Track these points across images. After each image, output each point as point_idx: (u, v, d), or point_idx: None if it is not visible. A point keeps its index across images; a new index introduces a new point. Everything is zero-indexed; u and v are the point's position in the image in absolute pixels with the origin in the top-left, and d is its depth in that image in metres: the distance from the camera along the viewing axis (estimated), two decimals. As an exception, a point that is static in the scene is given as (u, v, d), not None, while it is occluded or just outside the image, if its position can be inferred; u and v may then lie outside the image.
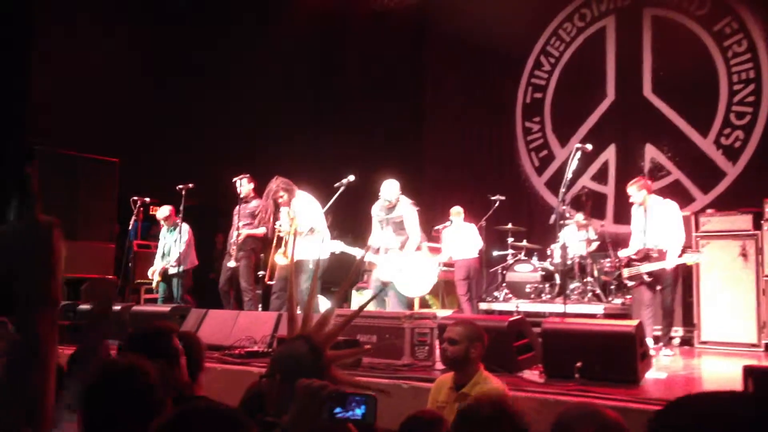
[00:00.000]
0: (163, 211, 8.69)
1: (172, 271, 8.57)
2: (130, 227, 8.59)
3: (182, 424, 1.47)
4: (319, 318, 2.21)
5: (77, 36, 10.08)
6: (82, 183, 9.88)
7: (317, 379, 1.84)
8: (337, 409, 1.73)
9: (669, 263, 6.58)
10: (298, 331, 2.16)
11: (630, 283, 7.09)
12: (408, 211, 7.08)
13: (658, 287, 6.70)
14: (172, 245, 8.64)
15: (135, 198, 8.58)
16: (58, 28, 10.17)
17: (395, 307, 6.92)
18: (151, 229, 10.06)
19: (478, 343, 3.61)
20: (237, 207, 7.93)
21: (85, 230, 9.68)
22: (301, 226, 7.16)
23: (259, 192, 7.97)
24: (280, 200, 7.23)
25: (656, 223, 6.82)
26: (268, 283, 7.55)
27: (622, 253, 7.16)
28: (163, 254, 8.70)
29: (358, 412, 1.73)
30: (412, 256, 7.01)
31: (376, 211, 7.22)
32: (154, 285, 8.75)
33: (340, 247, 7.13)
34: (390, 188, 7.10)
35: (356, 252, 7.11)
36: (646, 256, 6.79)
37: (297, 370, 1.95)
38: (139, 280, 8.81)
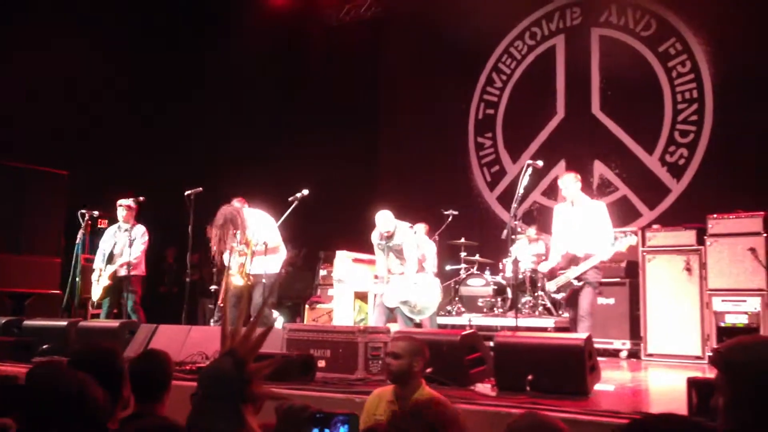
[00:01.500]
0: (127, 201, 8.16)
1: (123, 272, 8.02)
2: (77, 241, 8.35)
3: None
4: (243, 332, 2.18)
5: (26, 46, 9.88)
6: (28, 196, 9.65)
7: (243, 393, 1.81)
8: (320, 430, 1.72)
9: (604, 255, 6.26)
10: (226, 348, 2.13)
11: (559, 296, 6.65)
12: (406, 237, 7.19)
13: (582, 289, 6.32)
14: (126, 245, 8.09)
15: (83, 211, 8.37)
16: (5, 38, 9.95)
17: (402, 326, 7.01)
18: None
19: (419, 357, 3.66)
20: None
21: (31, 244, 9.45)
22: (255, 243, 7.09)
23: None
24: (232, 230, 7.15)
25: (585, 225, 6.40)
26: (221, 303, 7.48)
27: (543, 267, 6.76)
28: (111, 255, 8.11)
29: (342, 431, 1.72)
30: (413, 281, 7.09)
31: (376, 239, 7.31)
32: (97, 297, 8.11)
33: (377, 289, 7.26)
34: (385, 220, 7.18)
35: (381, 289, 7.20)
36: (572, 261, 6.37)
37: (221, 385, 1.91)
38: (86, 296, 8.59)
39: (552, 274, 6.57)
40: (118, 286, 8.08)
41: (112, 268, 8.08)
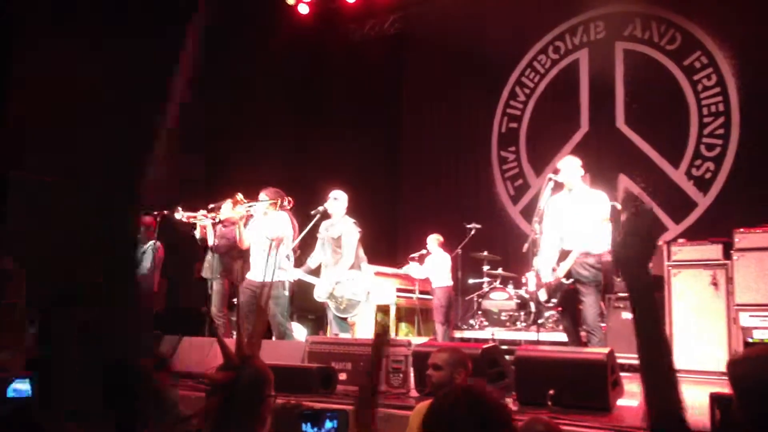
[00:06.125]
0: (144, 217, 8.27)
1: None
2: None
3: None
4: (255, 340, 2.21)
5: (56, 59, 10.06)
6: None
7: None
8: (309, 426, 1.76)
9: (590, 246, 5.54)
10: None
11: (551, 303, 5.93)
12: (348, 230, 6.93)
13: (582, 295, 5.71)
14: (144, 261, 8.19)
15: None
16: (37, 52, 10.15)
17: (336, 329, 6.82)
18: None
19: (461, 369, 3.60)
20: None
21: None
22: (269, 233, 6.93)
23: None
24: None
25: (581, 216, 5.71)
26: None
27: (537, 262, 5.87)
28: None
29: (329, 426, 1.76)
30: (345, 275, 6.86)
31: (322, 230, 7.10)
32: None
33: (298, 275, 7.00)
34: (338, 202, 6.98)
35: (315, 281, 6.97)
36: (562, 257, 5.74)
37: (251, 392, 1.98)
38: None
39: (540, 282, 5.93)
40: None
41: None
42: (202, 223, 7.72)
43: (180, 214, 7.84)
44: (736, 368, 1.72)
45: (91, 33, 10.36)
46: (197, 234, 7.91)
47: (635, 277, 1.64)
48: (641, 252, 1.62)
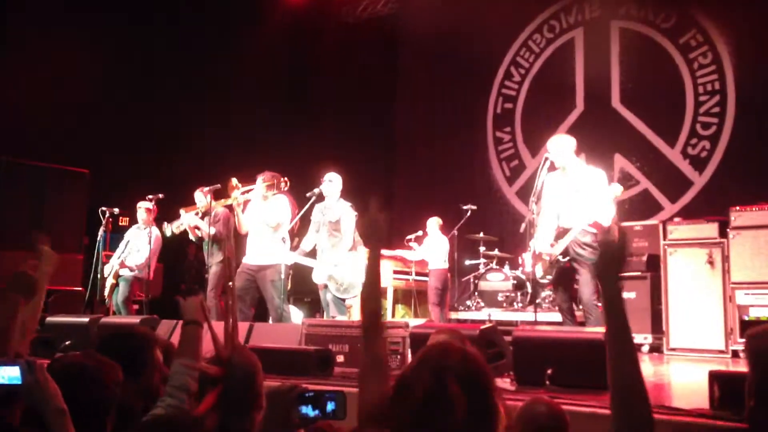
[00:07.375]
0: (146, 203, 8.24)
1: (124, 272, 8.20)
2: (98, 238, 8.43)
3: None
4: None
5: (46, 44, 9.96)
6: (50, 194, 9.77)
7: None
8: (308, 409, 1.74)
9: (584, 223, 5.51)
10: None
11: (546, 279, 5.92)
12: (346, 213, 6.93)
13: (578, 273, 5.69)
14: (142, 246, 8.24)
15: (104, 209, 8.45)
16: (28, 37, 10.04)
17: (334, 311, 6.82)
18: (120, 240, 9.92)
19: None
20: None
21: (53, 242, 9.51)
22: (269, 220, 7.00)
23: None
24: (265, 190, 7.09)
25: (578, 194, 5.67)
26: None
27: (535, 243, 5.85)
28: (129, 254, 8.28)
29: (329, 408, 1.74)
30: (344, 257, 6.85)
31: (317, 213, 7.05)
32: (107, 292, 8.26)
33: (295, 258, 6.98)
34: (333, 184, 6.98)
35: (312, 263, 6.97)
36: (560, 236, 5.70)
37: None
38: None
39: (540, 257, 5.87)
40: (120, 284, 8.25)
41: (112, 267, 8.23)
42: (192, 223, 7.70)
43: (169, 229, 7.84)
44: (758, 341, 1.71)
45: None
46: (191, 237, 7.90)
47: (612, 283, 1.81)
48: (618, 264, 1.83)
